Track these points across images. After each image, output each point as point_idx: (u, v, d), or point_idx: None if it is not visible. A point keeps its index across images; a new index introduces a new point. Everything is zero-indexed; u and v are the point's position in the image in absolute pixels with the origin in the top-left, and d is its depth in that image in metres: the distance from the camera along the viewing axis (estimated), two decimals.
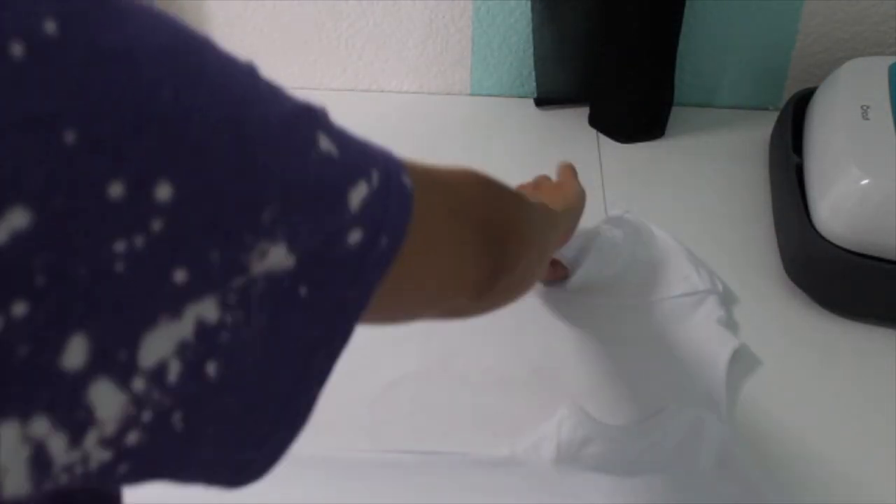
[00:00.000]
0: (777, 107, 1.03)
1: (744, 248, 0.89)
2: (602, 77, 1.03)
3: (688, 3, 0.98)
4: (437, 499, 0.65)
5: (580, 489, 0.66)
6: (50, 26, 0.29)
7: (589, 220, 0.93)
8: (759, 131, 1.02)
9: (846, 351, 0.80)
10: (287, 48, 1.08)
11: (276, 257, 0.34)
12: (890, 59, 0.91)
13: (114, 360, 0.31)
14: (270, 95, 0.37)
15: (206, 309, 0.33)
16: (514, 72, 1.09)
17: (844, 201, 0.79)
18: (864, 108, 0.85)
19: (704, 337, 0.78)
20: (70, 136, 0.29)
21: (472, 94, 1.11)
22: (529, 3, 1.02)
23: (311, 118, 0.38)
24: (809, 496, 0.68)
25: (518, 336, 0.79)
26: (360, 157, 0.40)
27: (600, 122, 1.05)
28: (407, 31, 1.07)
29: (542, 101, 1.09)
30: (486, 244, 0.51)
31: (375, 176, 0.40)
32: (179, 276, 0.32)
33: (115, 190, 0.30)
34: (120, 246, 0.30)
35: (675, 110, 1.05)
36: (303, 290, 0.36)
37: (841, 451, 0.71)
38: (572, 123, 1.06)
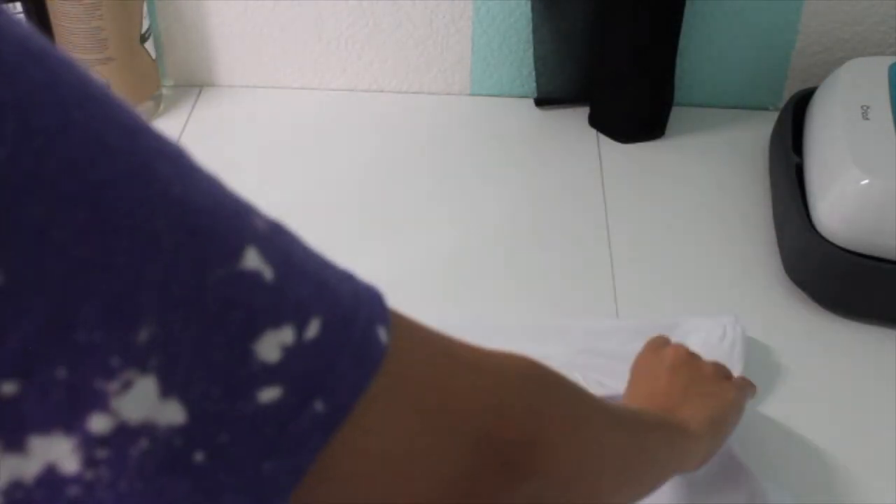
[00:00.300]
0: (777, 107, 1.03)
1: (744, 248, 0.89)
2: (602, 77, 1.03)
3: (688, 3, 0.98)
4: None
5: None
6: None
7: (588, 220, 0.93)
8: (759, 131, 1.02)
9: (846, 351, 0.80)
10: (287, 48, 1.08)
11: (146, 399, 0.28)
12: (890, 59, 0.91)
13: None
14: (175, 176, 0.30)
15: (61, 455, 0.27)
16: (514, 72, 1.09)
17: (844, 201, 0.79)
18: (864, 108, 0.85)
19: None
20: None
21: (472, 94, 1.11)
22: (529, 3, 1.02)
23: (243, 223, 0.32)
24: (809, 496, 0.68)
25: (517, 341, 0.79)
26: (301, 293, 0.32)
27: (600, 122, 1.05)
28: (407, 31, 1.07)
29: (542, 101, 1.08)
30: (494, 468, 0.37)
31: (315, 323, 0.31)
32: (8, 388, 0.26)
33: None
34: None
35: (675, 110, 1.05)
36: (198, 456, 0.29)
37: (841, 450, 0.71)
38: (572, 123, 1.06)
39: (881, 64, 0.91)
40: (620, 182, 0.98)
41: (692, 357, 0.67)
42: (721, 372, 0.67)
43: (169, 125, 1.05)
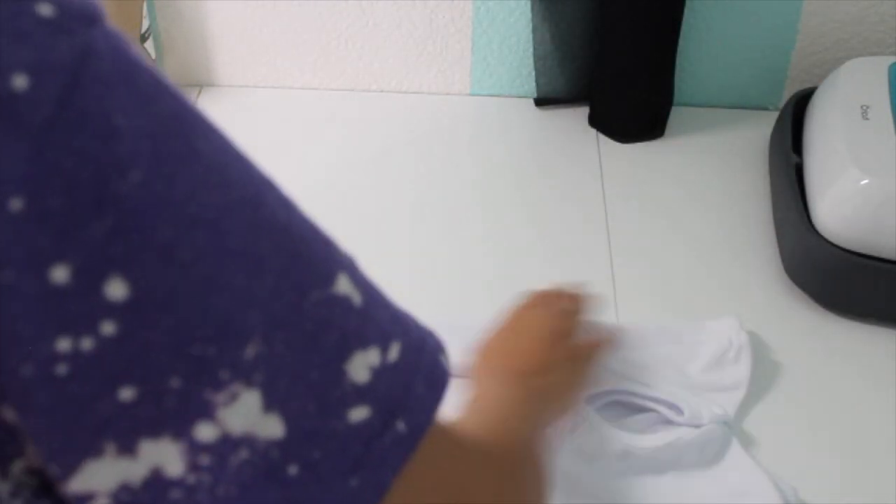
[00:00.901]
0: (777, 107, 1.03)
1: (744, 248, 0.89)
2: (602, 77, 1.03)
3: (688, 3, 0.98)
4: None
5: (589, 487, 0.67)
6: (19, 80, 0.26)
7: (588, 220, 0.93)
8: (759, 131, 1.02)
9: (846, 351, 0.80)
10: (287, 48, 1.08)
11: (249, 412, 0.29)
12: (890, 59, 0.91)
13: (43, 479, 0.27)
14: (280, 204, 0.32)
15: (168, 459, 0.28)
16: (514, 72, 1.09)
17: (844, 201, 0.79)
18: (864, 108, 0.85)
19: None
20: (17, 204, 0.26)
21: (472, 94, 1.11)
22: (529, 3, 1.02)
23: (334, 251, 0.34)
24: (809, 495, 0.68)
25: None
26: (383, 318, 0.34)
27: (600, 122, 1.05)
28: (407, 31, 1.07)
29: (542, 101, 1.08)
30: None
31: (396, 348, 0.33)
32: (126, 393, 0.28)
33: (59, 274, 0.26)
34: (63, 344, 0.27)
35: (675, 110, 1.05)
36: (293, 470, 0.30)
37: (841, 450, 0.72)
38: (572, 123, 1.06)
39: (881, 64, 0.91)
40: (620, 182, 0.98)
41: (570, 333, 0.65)
42: (586, 351, 0.66)
43: None
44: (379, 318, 0.34)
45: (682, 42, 1.01)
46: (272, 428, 0.30)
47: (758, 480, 0.67)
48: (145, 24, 1.02)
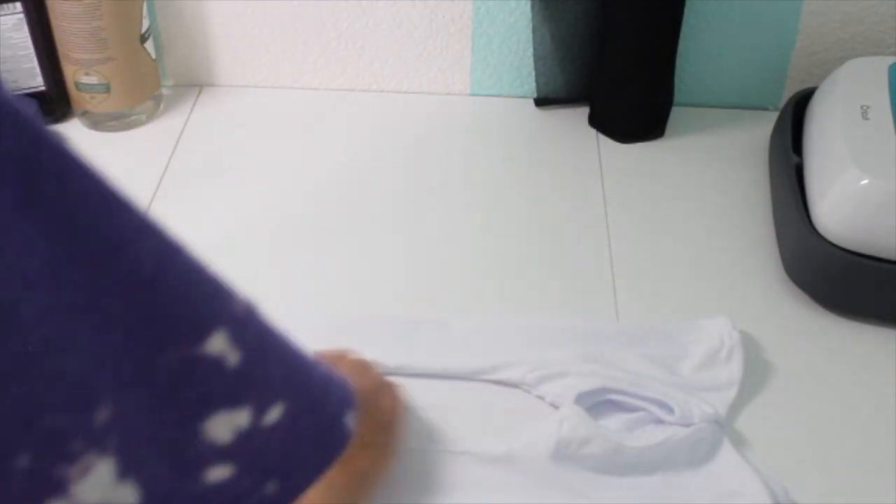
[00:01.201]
0: (777, 107, 1.03)
1: (744, 248, 0.89)
2: (602, 77, 1.03)
3: (688, 3, 0.98)
4: (434, 494, 0.65)
5: (578, 485, 0.67)
6: None
7: (588, 219, 0.93)
8: (759, 131, 1.02)
9: (846, 351, 0.80)
10: (287, 48, 1.08)
11: (103, 482, 0.27)
12: (890, 59, 0.91)
13: None
14: (151, 255, 0.30)
15: None
16: (514, 72, 1.09)
17: (844, 201, 0.79)
18: (864, 108, 0.85)
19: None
20: None
21: (472, 94, 1.11)
22: (529, 3, 1.02)
23: (219, 306, 0.31)
24: (809, 495, 0.68)
25: (515, 339, 0.79)
26: (268, 377, 0.32)
27: (600, 122, 1.05)
28: (407, 31, 1.07)
29: (542, 101, 1.08)
30: None
31: (278, 409, 0.31)
32: None
33: None
34: None
35: (675, 110, 1.05)
36: None
37: (841, 450, 0.71)
38: (572, 123, 1.06)
39: (881, 64, 0.91)
40: (620, 182, 0.98)
41: (375, 395, 0.63)
42: (388, 417, 0.64)
43: (169, 125, 1.05)
44: (262, 378, 0.32)
45: (682, 42, 1.01)
46: (126, 496, 0.28)
47: (748, 480, 0.67)
48: (145, 24, 1.02)
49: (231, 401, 0.30)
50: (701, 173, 0.99)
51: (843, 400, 0.75)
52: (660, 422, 0.71)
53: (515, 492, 0.67)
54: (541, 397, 0.73)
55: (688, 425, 0.70)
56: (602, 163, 1.01)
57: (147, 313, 0.29)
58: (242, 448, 0.31)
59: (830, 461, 0.71)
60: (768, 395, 0.75)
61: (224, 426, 0.30)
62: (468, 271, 0.87)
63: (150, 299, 0.29)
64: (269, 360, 0.32)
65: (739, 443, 0.71)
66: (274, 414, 0.31)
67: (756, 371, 0.77)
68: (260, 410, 0.31)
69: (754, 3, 1.02)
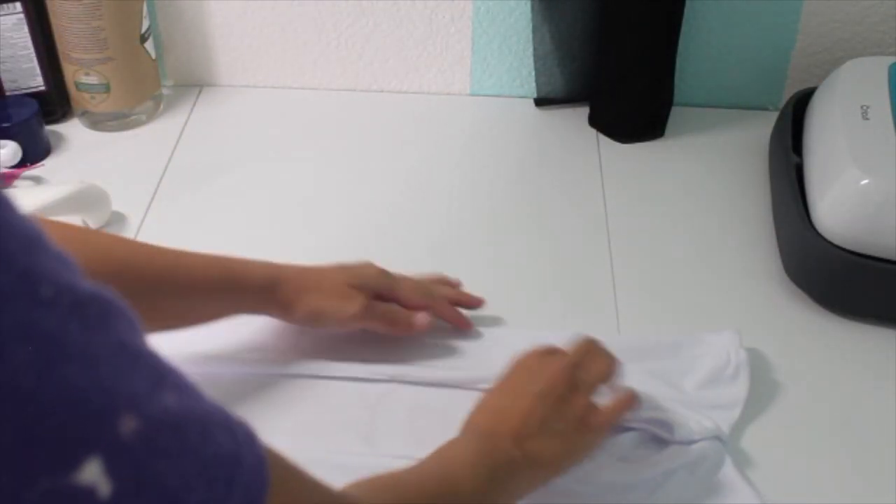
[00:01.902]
0: (777, 107, 1.03)
1: (744, 248, 0.89)
2: (602, 77, 1.03)
3: (688, 3, 0.98)
4: None
5: (574, 496, 0.66)
6: None
7: (588, 219, 0.93)
8: (759, 131, 1.02)
9: (846, 351, 0.80)
10: (287, 48, 1.08)
11: None
12: (890, 59, 0.91)
13: None
14: (29, 364, 0.26)
15: None
16: (514, 72, 1.09)
17: (844, 201, 0.79)
18: (864, 108, 0.85)
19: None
20: None
21: (471, 94, 1.11)
22: (529, 3, 1.02)
23: (100, 426, 0.28)
24: (809, 495, 0.68)
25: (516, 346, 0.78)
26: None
27: (600, 122, 1.05)
28: (407, 31, 1.07)
29: (542, 101, 1.08)
30: None
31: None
32: None
33: None
34: None
35: (675, 110, 1.05)
36: None
37: (841, 450, 0.71)
38: (572, 123, 1.06)
39: (881, 64, 0.91)
40: (620, 182, 0.98)
41: (569, 386, 0.64)
42: (591, 408, 0.65)
43: (169, 125, 1.05)
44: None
45: (682, 42, 1.01)
46: None
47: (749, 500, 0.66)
48: (145, 24, 1.02)
49: None
50: (701, 173, 0.99)
51: (843, 400, 0.75)
52: (659, 440, 0.69)
53: None
54: None
55: (689, 443, 0.68)
56: (602, 163, 1.01)
57: (18, 434, 0.26)
58: None
59: (830, 461, 0.71)
60: (768, 395, 0.75)
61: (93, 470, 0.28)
62: (468, 271, 0.87)
63: (23, 418, 0.26)
64: (146, 492, 0.29)
65: (738, 443, 0.71)
66: None
67: (756, 371, 0.77)
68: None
69: (754, 3, 1.02)
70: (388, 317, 0.75)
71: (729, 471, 0.68)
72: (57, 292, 0.28)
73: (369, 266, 0.77)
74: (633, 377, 0.73)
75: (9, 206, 0.28)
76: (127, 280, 0.61)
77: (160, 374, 0.31)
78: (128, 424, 0.29)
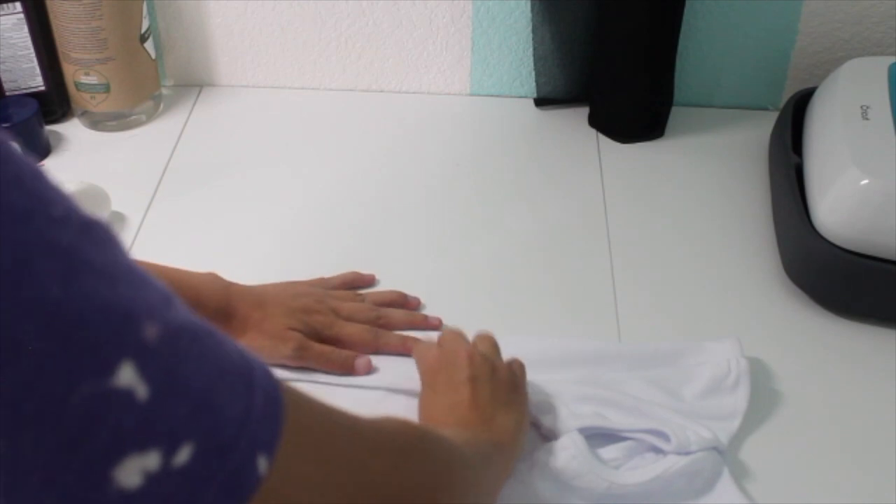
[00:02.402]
0: (777, 107, 1.03)
1: (744, 248, 0.89)
2: (602, 77, 1.03)
3: (688, 3, 0.98)
4: None
5: None
6: None
7: (588, 220, 0.93)
8: (759, 131, 1.02)
9: (846, 351, 0.80)
10: (287, 48, 1.08)
11: None
12: (890, 59, 0.91)
13: None
14: (54, 274, 0.27)
15: None
16: (514, 72, 1.09)
17: (844, 201, 0.79)
18: (864, 108, 0.85)
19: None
20: None
21: (471, 94, 1.11)
22: (529, 3, 1.02)
23: (128, 332, 0.29)
24: (809, 495, 0.68)
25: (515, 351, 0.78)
26: (177, 414, 0.30)
27: (600, 122, 1.05)
28: (407, 31, 1.07)
29: (542, 101, 1.08)
30: None
31: (186, 450, 0.29)
32: None
33: None
34: None
35: (675, 110, 1.05)
36: None
37: (841, 450, 0.71)
38: (572, 123, 1.06)
39: (881, 64, 0.91)
40: (620, 182, 0.98)
41: (488, 363, 0.66)
42: (513, 376, 0.68)
43: (169, 125, 1.05)
44: (171, 415, 0.29)
45: (682, 42, 1.01)
46: None
47: None
48: (145, 24, 1.02)
49: (141, 441, 0.29)
50: (701, 173, 0.99)
51: (843, 400, 0.75)
52: (656, 449, 0.68)
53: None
54: (536, 427, 0.71)
55: (686, 454, 0.67)
56: (602, 163, 1.01)
57: (57, 342, 0.27)
58: (150, 494, 0.29)
59: (830, 461, 0.71)
60: (768, 395, 0.75)
61: (134, 471, 0.28)
62: (468, 271, 0.87)
63: (59, 325, 0.27)
64: (180, 394, 0.30)
65: (739, 442, 0.71)
66: (183, 455, 0.29)
67: (755, 370, 0.77)
68: (169, 452, 0.29)
69: (754, 3, 1.02)
70: (323, 358, 0.75)
71: (726, 482, 0.67)
72: (66, 212, 0.29)
73: (317, 302, 0.77)
74: (632, 385, 0.73)
75: (9, 141, 0.30)
76: None
77: (167, 293, 0.32)
78: (151, 331, 0.30)
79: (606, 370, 0.76)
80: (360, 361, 0.75)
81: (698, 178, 0.98)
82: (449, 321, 0.81)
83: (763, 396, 0.75)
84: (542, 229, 0.92)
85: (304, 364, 0.75)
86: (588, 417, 0.70)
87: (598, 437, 0.69)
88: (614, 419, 0.70)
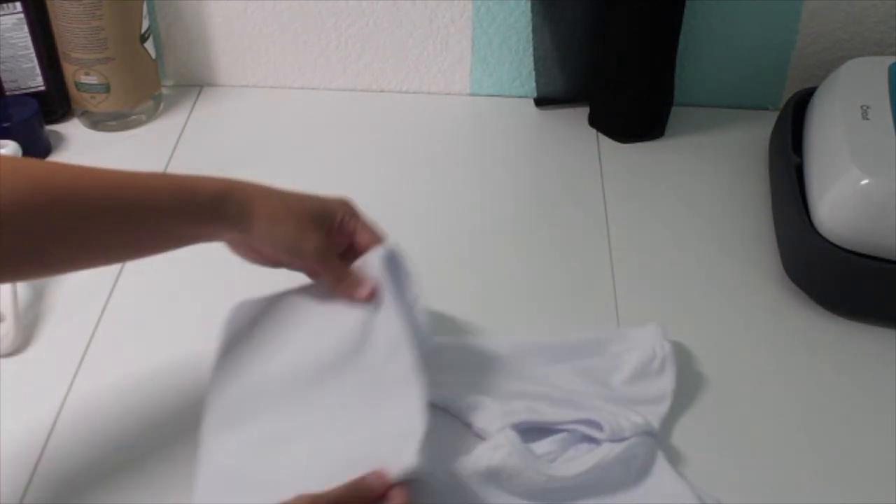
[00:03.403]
0: (777, 107, 1.03)
1: (744, 248, 0.89)
2: (602, 77, 1.03)
3: (688, 3, 0.98)
4: None
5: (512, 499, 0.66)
6: None
7: (588, 220, 0.93)
8: (759, 131, 1.02)
9: (846, 351, 0.80)
10: (287, 48, 1.08)
11: None
12: (890, 59, 0.91)
13: None
14: None
15: None
16: (514, 72, 1.09)
17: (844, 201, 0.79)
18: (864, 108, 0.85)
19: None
20: None
21: (471, 94, 1.11)
22: (529, 3, 1.02)
23: None
24: (810, 495, 0.68)
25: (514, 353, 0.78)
26: None
27: (600, 122, 1.05)
28: (407, 31, 1.07)
29: (542, 101, 1.09)
30: None
31: None
32: None
33: None
34: None
35: (675, 110, 1.05)
36: None
37: (841, 451, 0.71)
38: (572, 123, 1.06)
39: (881, 64, 0.91)
40: (620, 182, 0.98)
41: None
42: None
43: (169, 125, 1.05)
44: None
45: (682, 42, 1.01)
46: None
47: (682, 494, 0.66)
48: (145, 24, 1.02)
49: None
50: (701, 173, 0.99)
51: (842, 400, 0.75)
52: (590, 440, 0.69)
53: None
54: (468, 424, 0.71)
55: (620, 440, 0.67)
56: (602, 163, 1.01)
57: None
58: None
59: (830, 461, 0.71)
60: (767, 395, 0.75)
61: None
62: (467, 271, 0.87)
63: None
64: None
65: (738, 442, 0.71)
66: None
67: (755, 370, 0.77)
68: None
69: (754, 3, 1.02)
70: (336, 273, 0.71)
71: (662, 466, 0.68)
72: None
73: (340, 203, 0.74)
74: (560, 377, 0.74)
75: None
76: (70, 206, 0.59)
77: None
78: None
79: (534, 363, 0.76)
80: (364, 291, 0.71)
81: (698, 178, 0.99)
82: (447, 321, 0.81)
83: (763, 396, 0.75)
84: (542, 229, 0.92)
85: (312, 268, 0.72)
86: (520, 413, 0.70)
87: (529, 431, 0.69)
88: (547, 412, 0.70)
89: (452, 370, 0.75)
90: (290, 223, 0.70)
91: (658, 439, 0.70)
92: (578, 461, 0.67)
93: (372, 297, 0.71)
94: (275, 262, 0.73)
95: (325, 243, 0.71)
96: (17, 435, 0.70)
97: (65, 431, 0.71)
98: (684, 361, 0.77)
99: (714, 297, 0.85)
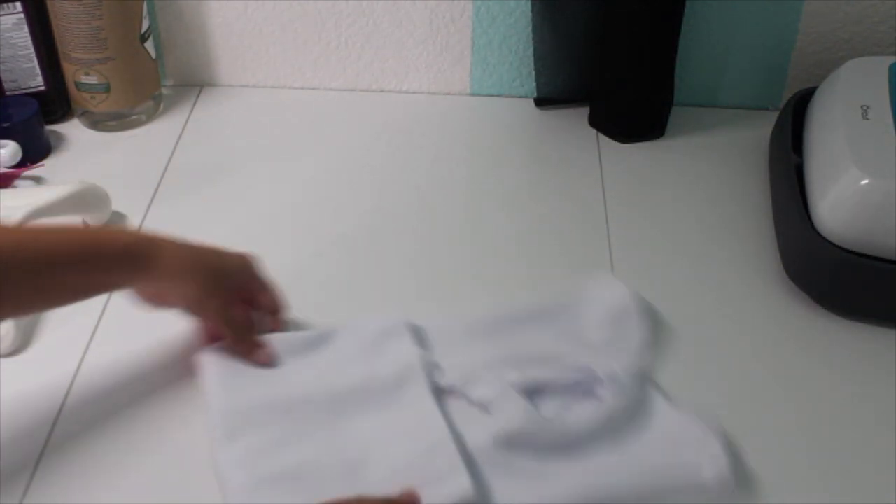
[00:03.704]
0: (777, 107, 1.03)
1: (744, 248, 0.89)
2: (602, 77, 1.03)
3: (688, 3, 0.98)
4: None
5: (528, 470, 0.67)
6: None
7: (588, 220, 0.93)
8: (759, 131, 1.02)
9: (846, 351, 0.80)
10: (287, 48, 1.08)
11: None
12: (890, 59, 0.91)
13: None
14: None
15: None
16: (514, 72, 1.09)
17: (844, 201, 0.79)
18: (864, 108, 0.85)
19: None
20: None
21: (471, 94, 1.11)
22: (529, 3, 1.02)
23: None
24: (810, 495, 0.68)
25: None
26: None
27: (600, 122, 1.05)
28: (407, 31, 1.07)
29: (542, 101, 1.09)
30: None
31: None
32: None
33: None
34: None
35: (675, 110, 1.05)
36: None
37: (841, 451, 0.71)
38: (572, 123, 1.06)
39: (881, 64, 0.91)
40: (620, 182, 0.98)
41: None
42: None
43: (169, 125, 1.05)
44: None
45: (682, 42, 1.01)
46: None
47: (688, 427, 0.69)
48: (145, 24, 1.02)
49: None
50: (701, 173, 0.99)
51: (842, 400, 0.75)
52: (590, 393, 0.71)
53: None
54: (467, 398, 0.72)
55: (618, 382, 0.71)
56: (602, 163, 1.01)
57: None
58: None
59: (831, 460, 0.71)
60: (767, 395, 0.75)
61: None
62: (468, 271, 0.87)
63: None
64: None
65: (738, 442, 0.71)
66: None
67: (756, 370, 0.77)
68: None
69: (754, 3, 1.02)
70: (236, 333, 0.74)
71: (661, 403, 0.71)
72: None
73: (241, 263, 0.76)
74: (543, 344, 0.77)
75: None
76: None
77: None
78: None
79: (518, 337, 0.78)
80: (263, 356, 0.73)
81: (698, 178, 0.99)
82: (446, 320, 0.81)
83: (763, 395, 0.75)
84: (543, 229, 0.92)
85: (214, 324, 0.74)
86: (515, 377, 0.72)
87: (531, 396, 0.71)
88: (540, 373, 0.73)
89: (440, 352, 0.76)
90: (198, 279, 0.72)
91: (650, 380, 0.73)
92: (588, 418, 0.69)
93: (269, 363, 0.73)
94: (181, 310, 0.75)
95: (226, 302, 0.73)
96: (18, 435, 0.70)
97: (65, 431, 0.71)
98: (684, 361, 0.77)
99: (714, 296, 0.85)
